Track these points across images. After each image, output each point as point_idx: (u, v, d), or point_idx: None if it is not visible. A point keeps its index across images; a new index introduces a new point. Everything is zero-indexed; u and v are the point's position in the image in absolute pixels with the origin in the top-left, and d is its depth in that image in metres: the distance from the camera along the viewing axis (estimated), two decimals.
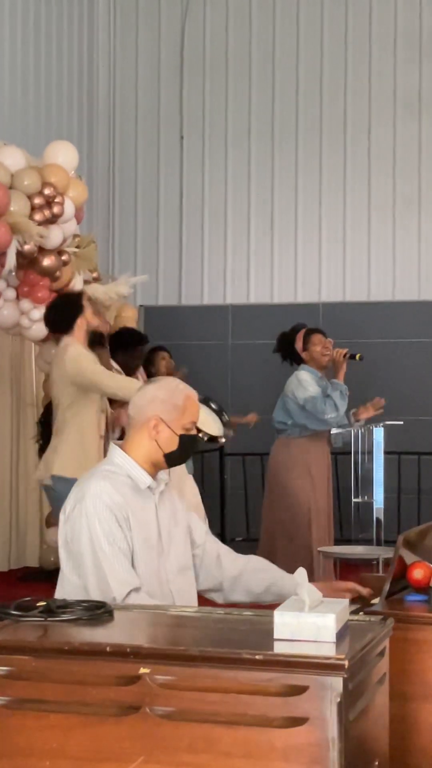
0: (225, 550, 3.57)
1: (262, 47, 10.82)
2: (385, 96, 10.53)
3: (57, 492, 6.14)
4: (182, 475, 7.75)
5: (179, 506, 3.50)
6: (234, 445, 9.15)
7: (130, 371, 7.56)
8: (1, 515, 8.27)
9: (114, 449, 3.40)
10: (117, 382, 6.17)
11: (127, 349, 7.61)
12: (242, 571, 3.51)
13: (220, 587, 3.52)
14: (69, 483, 6.06)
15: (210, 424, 6.79)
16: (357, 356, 7.18)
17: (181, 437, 3.37)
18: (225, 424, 6.88)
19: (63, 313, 6.38)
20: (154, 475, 3.39)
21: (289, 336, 7.23)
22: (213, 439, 6.51)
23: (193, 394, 3.44)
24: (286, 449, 7.07)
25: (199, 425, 6.63)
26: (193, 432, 3.40)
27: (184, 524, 3.46)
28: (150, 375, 7.96)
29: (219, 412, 7.00)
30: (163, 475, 3.45)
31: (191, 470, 7.92)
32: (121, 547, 3.20)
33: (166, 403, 3.38)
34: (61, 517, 3.33)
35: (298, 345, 7.15)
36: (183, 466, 8.03)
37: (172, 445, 3.37)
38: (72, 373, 6.12)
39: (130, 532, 3.24)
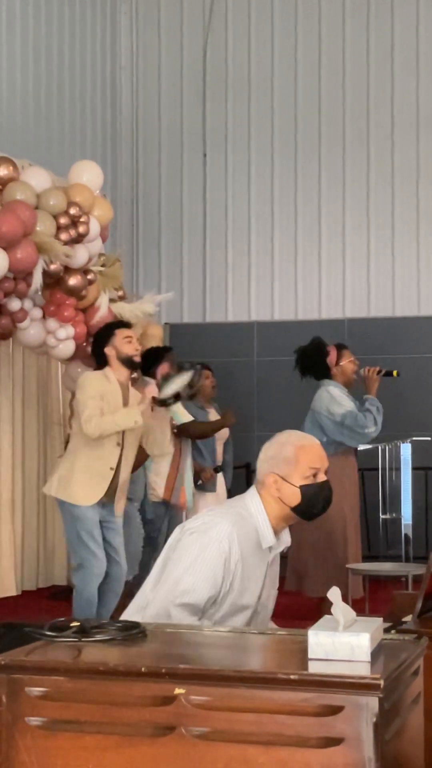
0: None
1: (284, 64, 10.85)
2: (407, 111, 10.54)
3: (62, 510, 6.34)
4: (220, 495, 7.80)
5: (279, 567, 3.50)
6: (255, 460, 9.15)
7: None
8: (29, 534, 8.29)
9: (254, 496, 3.39)
10: (89, 416, 6.17)
11: (157, 362, 7.63)
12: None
13: None
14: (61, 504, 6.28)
15: (169, 390, 6.91)
16: (394, 373, 7.14)
17: (302, 488, 3.35)
18: (177, 396, 7.00)
19: (95, 345, 6.60)
20: (279, 532, 3.38)
21: (315, 349, 7.17)
22: (156, 400, 6.66)
23: (307, 442, 3.41)
24: None
25: (161, 387, 6.84)
26: (320, 479, 3.37)
27: (276, 584, 3.48)
28: (192, 394, 8.01)
29: (188, 387, 7.17)
30: (286, 536, 3.45)
31: (229, 484, 7.95)
32: (203, 597, 3.19)
33: (277, 459, 3.37)
34: (178, 530, 3.35)
35: (332, 359, 7.06)
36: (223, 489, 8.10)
37: (296, 498, 3.35)
38: (75, 397, 6.31)
39: (230, 587, 3.24)
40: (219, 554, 3.21)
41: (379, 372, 7.07)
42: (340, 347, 7.16)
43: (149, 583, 3.34)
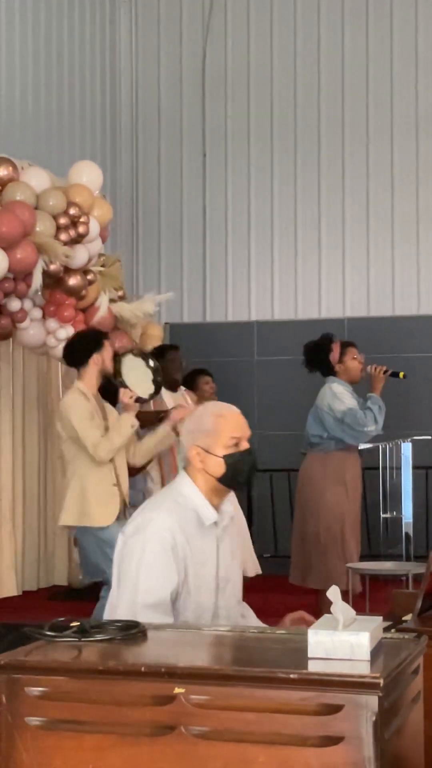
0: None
1: (284, 63, 10.85)
2: (407, 111, 10.53)
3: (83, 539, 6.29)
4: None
5: (239, 538, 3.50)
6: (261, 461, 9.15)
7: (169, 378, 7.52)
8: (29, 535, 8.29)
9: (183, 477, 3.38)
10: (95, 443, 6.15)
11: (158, 358, 7.61)
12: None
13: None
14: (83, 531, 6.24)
15: (140, 384, 6.77)
16: (400, 374, 7.13)
17: (225, 458, 3.33)
18: (157, 384, 6.85)
19: (80, 345, 6.39)
20: (219, 506, 3.37)
21: (319, 346, 7.15)
22: (139, 399, 6.50)
23: (226, 411, 3.38)
24: (321, 463, 7.02)
25: (130, 386, 6.66)
26: (242, 446, 3.34)
27: (240, 556, 3.47)
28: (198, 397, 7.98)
29: (155, 371, 6.96)
30: (227, 506, 3.42)
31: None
32: (170, 589, 3.19)
33: (197, 431, 3.36)
34: (120, 538, 3.33)
35: (334, 356, 7.05)
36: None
37: (220, 468, 3.33)
38: (63, 423, 6.21)
39: (184, 572, 3.23)
40: (163, 547, 3.20)
41: (385, 372, 7.07)
42: (345, 344, 7.15)
43: (113, 594, 3.33)
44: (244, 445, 3.36)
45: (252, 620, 3.54)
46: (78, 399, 6.22)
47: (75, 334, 6.84)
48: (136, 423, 6.32)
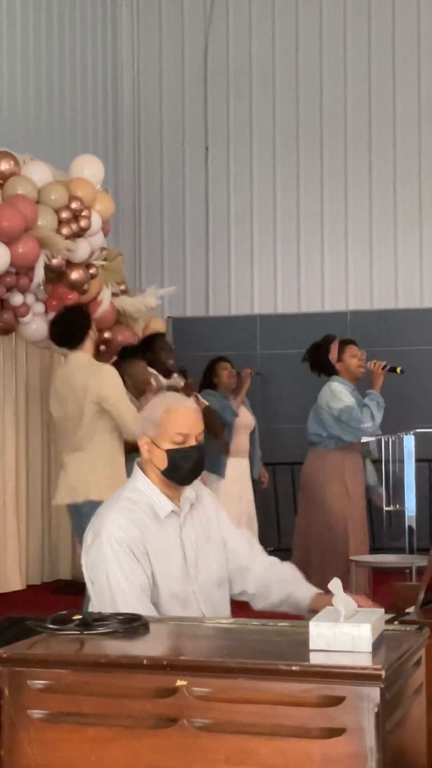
0: (258, 562, 3.53)
1: (285, 58, 10.83)
2: (409, 104, 10.52)
3: (88, 517, 6.21)
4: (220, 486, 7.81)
5: (214, 520, 3.48)
6: (264, 455, 9.15)
7: (164, 365, 7.58)
8: (33, 529, 8.30)
9: (136, 472, 3.38)
10: (132, 411, 6.14)
11: (148, 349, 7.66)
12: (263, 585, 3.49)
13: (246, 596, 3.52)
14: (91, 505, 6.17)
15: None
16: (398, 369, 7.13)
17: (168, 452, 3.31)
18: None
19: (73, 326, 6.38)
20: (174, 496, 3.36)
21: (321, 346, 7.16)
22: None
23: (177, 405, 3.35)
24: (321, 461, 7.03)
25: None
26: (188, 443, 3.31)
27: (219, 539, 3.45)
28: (213, 386, 8.12)
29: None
30: (188, 493, 3.41)
31: (224, 475, 7.98)
32: (142, 584, 3.19)
33: (147, 421, 3.36)
34: (84, 545, 3.33)
35: (333, 355, 7.06)
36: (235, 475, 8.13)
37: (164, 462, 3.32)
38: (103, 396, 6.12)
39: (150, 565, 3.22)
40: (121, 547, 3.19)
41: (384, 367, 7.07)
42: (343, 342, 7.15)
43: (93, 602, 3.32)
44: (191, 443, 3.32)
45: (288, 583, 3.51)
46: (111, 371, 6.21)
47: (57, 315, 6.70)
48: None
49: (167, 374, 7.57)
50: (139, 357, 7.31)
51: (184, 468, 3.32)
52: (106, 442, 6.22)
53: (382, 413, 6.94)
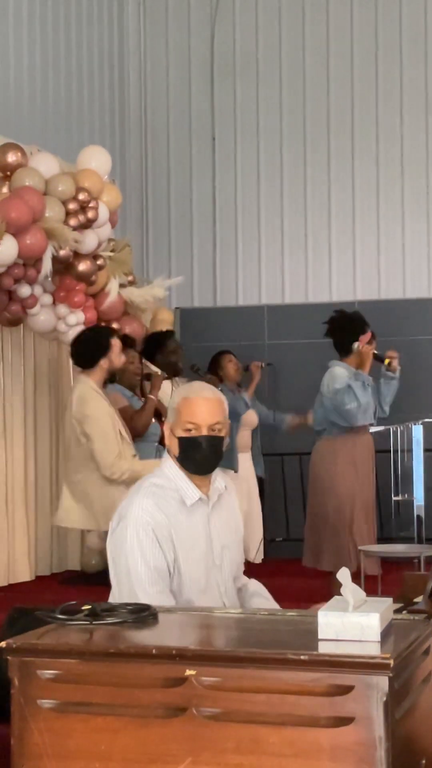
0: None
1: (292, 47, 10.80)
2: (416, 91, 10.49)
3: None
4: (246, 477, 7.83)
5: (238, 512, 3.48)
6: (272, 445, 9.14)
7: (173, 369, 7.64)
8: (42, 519, 8.30)
9: (166, 459, 3.38)
10: (107, 457, 6.21)
11: (159, 348, 7.74)
12: (243, 589, 3.51)
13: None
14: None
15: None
16: (386, 361, 7.11)
17: (179, 440, 3.32)
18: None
19: (88, 349, 6.58)
20: (203, 485, 3.35)
21: (354, 322, 7.09)
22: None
23: (194, 395, 3.34)
24: (330, 446, 7.03)
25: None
26: (198, 433, 3.30)
27: (240, 530, 3.46)
28: (219, 378, 8.13)
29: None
30: (219, 483, 3.41)
31: (236, 469, 7.98)
32: (159, 569, 3.19)
33: (170, 408, 3.39)
34: (110, 528, 3.35)
35: (363, 340, 7.00)
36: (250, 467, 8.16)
37: (176, 449, 3.33)
38: (79, 422, 6.28)
39: (173, 551, 3.22)
40: (145, 530, 3.20)
41: (375, 356, 7.06)
42: (373, 336, 7.14)
43: (113, 588, 3.33)
44: (202, 433, 3.30)
45: (262, 597, 3.52)
46: (101, 404, 6.32)
47: (81, 333, 6.91)
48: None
49: (175, 374, 7.68)
50: (172, 337, 7.69)
51: (194, 457, 3.31)
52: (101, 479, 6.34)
53: (369, 393, 6.92)
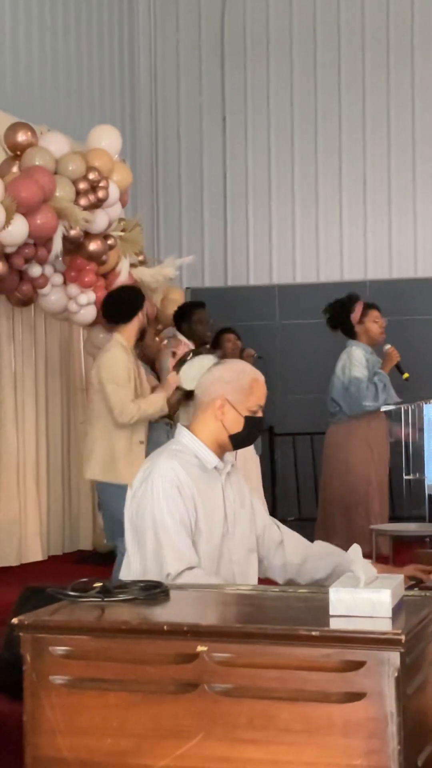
0: (289, 536, 3.55)
1: (303, 25, 10.74)
2: (428, 70, 10.43)
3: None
4: (248, 456, 7.80)
5: (245, 488, 3.52)
6: (284, 425, 9.15)
7: (200, 338, 7.61)
8: (54, 500, 8.33)
9: (181, 429, 3.42)
10: (122, 409, 6.23)
11: (185, 318, 7.68)
12: (305, 559, 3.50)
13: (284, 574, 3.52)
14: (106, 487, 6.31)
15: (190, 381, 6.85)
16: (405, 375, 7.23)
17: (247, 419, 3.37)
18: None
19: (127, 303, 6.55)
20: (220, 456, 3.40)
21: (343, 304, 7.17)
22: (179, 389, 6.64)
23: (260, 377, 3.44)
24: (345, 428, 7.05)
25: (181, 375, 6.76)
26: (259, 415, 3.40)
27: (249, 507, 3.48)
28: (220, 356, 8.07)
29: None
30: (229, 456, 3.47)
31: (260, 451, 7.97)
32: (184, 523, 3.22)
33: (232, 384, 3.38)
34: (129, 493, 3.37)
35: (355, 316, 7.06)
36: (251, 447, 8.12)
37: (237, 426, 3.37)
38: (99, 376, 6.27)
39: (195, 511, 3.26)
40: (172, 486, 3.23)
41: (397, 365, 7.15)
42: (367, 306, 7.17)
43: (128, 549, 3.35)
44: (261, 414, 3.43)
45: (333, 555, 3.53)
46: (122, 357, 6.31)
47: (115, 291, 6.91)
48: (166, 409, 6.43)
49: (203, 343, 7.64)
50: (201, 308, 7.66)
51: (254, 435, 3.44)
52: (125, 430, 6.33)
53: (386, 396, 6.99)
